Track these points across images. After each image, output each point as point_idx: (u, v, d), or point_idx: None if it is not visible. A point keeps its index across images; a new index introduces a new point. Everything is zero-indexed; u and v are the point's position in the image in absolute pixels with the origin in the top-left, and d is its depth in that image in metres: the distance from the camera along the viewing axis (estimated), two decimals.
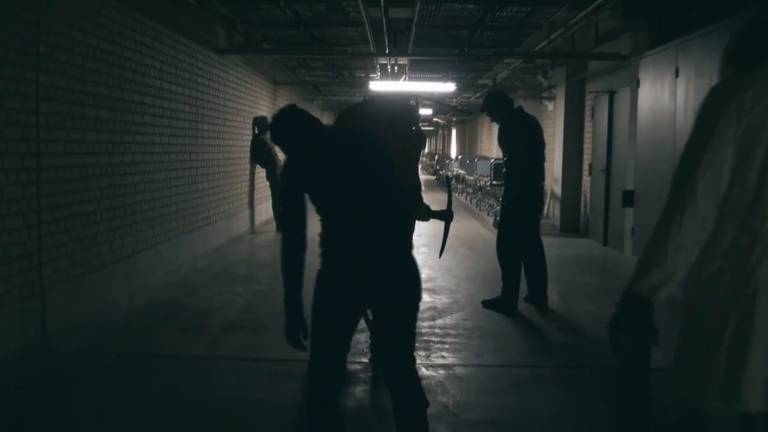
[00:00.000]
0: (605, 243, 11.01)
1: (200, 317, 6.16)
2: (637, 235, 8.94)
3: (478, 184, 16.94)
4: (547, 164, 7.10)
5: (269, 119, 11.40)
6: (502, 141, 6.71)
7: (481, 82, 15.50)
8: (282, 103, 14.81)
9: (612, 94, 10.97)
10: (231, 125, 10.69)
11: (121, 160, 6.58)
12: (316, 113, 21.02)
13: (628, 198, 9.08)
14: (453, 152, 36.15)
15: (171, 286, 7.32)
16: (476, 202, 17.58)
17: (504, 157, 6.76)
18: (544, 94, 15.07)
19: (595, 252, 10.56)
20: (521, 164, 6.49)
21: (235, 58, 10.63)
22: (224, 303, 6.70)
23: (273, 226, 12.17)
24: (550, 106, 15.16)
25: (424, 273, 8.46)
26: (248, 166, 11.78)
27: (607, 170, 11.10)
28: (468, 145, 29.56)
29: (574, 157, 12.72)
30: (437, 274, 8.42)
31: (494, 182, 12.98)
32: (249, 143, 11.80)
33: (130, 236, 6.81)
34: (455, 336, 5.71)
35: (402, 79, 13.75)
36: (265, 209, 12.56)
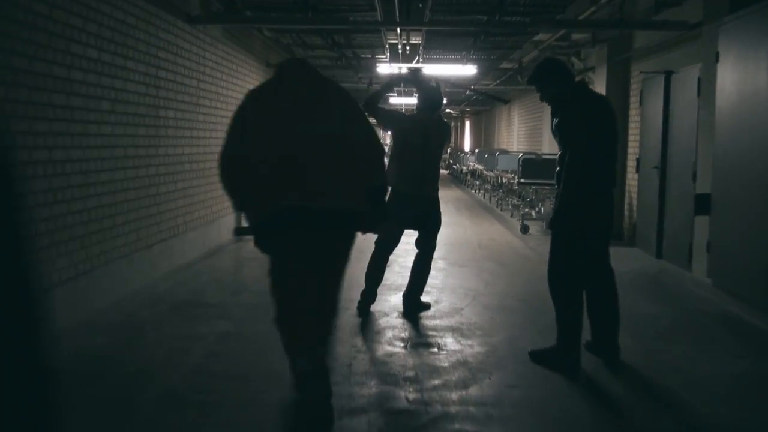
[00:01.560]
0: (659, 255, 9.12)
1: (131, 383, 4.32)
2: (715, 251, 7.05)
3: (501, 181, 15.05)
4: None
5: None
6: (559, 128, 4.82)
7: (503, 66, 13.58)
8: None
9: (668, 75, 9.07)
10: (209, 113, 8.87)
11: (29, 157, 4.75)
12: None
13: (703, 204, 7.20)
14: (467, 145, 34.23)
15: (110, 326, 5.49)
16: (497, 201, 15.70)
17: (559, 151, 4.86)
18: (578, 78, 13.13)
19: (649, 267, 8.68)
20: (585, 162, 4.63)
21: (213, 30, 8.79)
22: (173, 355, 4.86)
23: None
24: None
25: (444, 298, 6.73)
26: None
27: (662, 167, 9.20)
28: (484, 137, 27.65)
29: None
30: (462, 301, 6.56)
31: (522, 180, 11.10)
32: None
33: (47, 262, 4.99)
34: (500, 420, 3.84)
35: (415, 60, 11.88)
36: None
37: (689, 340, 5.45)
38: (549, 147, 14.98)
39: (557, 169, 4.83)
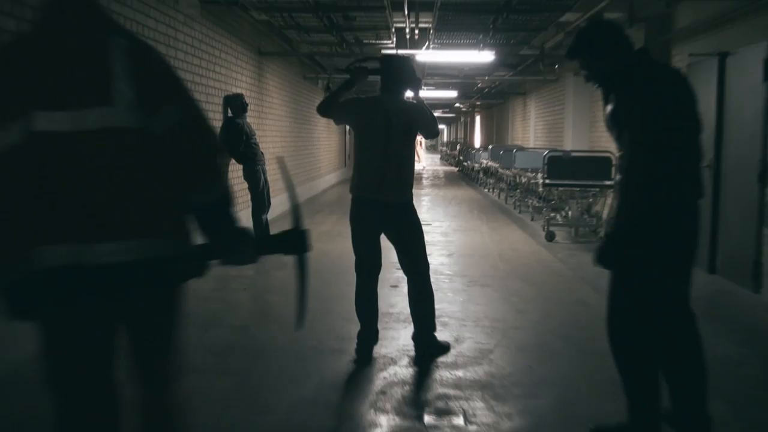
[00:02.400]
0: (712, 270, 7.76)
1: None
2: None
3: (519, 180, 13.69)
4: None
5: (244, 98, 8.16)
6: (617, 119, 3.44)
7: (523, 52, 12.20)
8: (270, 80, 11.61)
9: (723, 57, 7.70)
10: None
11: None
12: (320, 100, 17.80)
13: None
14: (477, 141, 32.85)
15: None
16: (515, 203, 14.35)
17: (619, 150, 3.47)
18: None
19: (702, 285, 7.32)
20: (662, 166, 3.24)
21: (189, 9, 7.47)
22: None
23: None
24: None
25: (466, 334, 4.93)
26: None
27: (715, 166, 7.84)
28: (496, 133, 26.28)
29: None
30: (490, 339, 5.22)
31: (549, 181, 9.74)
32: (218, 132, 8.64)
33: None
34: None
35: (424, 46, 10.54)
36: (242, 219, 9.40)
37: None
38: (572, 143, 13.61)
39: (617, 177, 3.47)
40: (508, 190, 16.01)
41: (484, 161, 20.17)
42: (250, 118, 9.66)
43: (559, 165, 9.70)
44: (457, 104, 30.18)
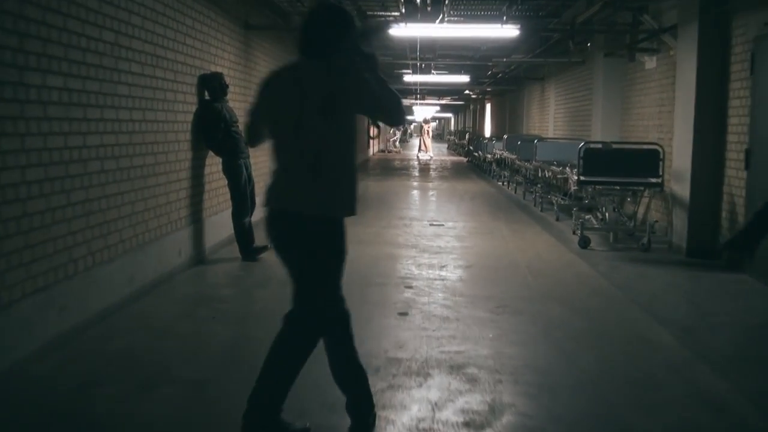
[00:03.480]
0: None
1: None
2: None
3: (542, 175, 12.18)
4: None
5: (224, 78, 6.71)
6: None
7: (553, 27, 10.62)
8: (261, 59, 10.11)
9: None
10: (153, 87, 6.11)
11: None
12: None
13: None
14: (487, 130, 31.31)
15: None
16: (535, 199, 12.85)
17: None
18: (643, 44, 10.29)
19: None
20: None
21: None
22: None
23: (235, 248, 7.57)
24: (650, 63, 10.39)
25: (503, 399, 3.44)
26: (189, 153, 7.16)
27: None
28: (509, 121, 24.73)
29: (710, 137, 7.96)
30: (535, 408, 3.74)
31: (585, 178, 8.25)
32: (192, 117, 7.20)
33: None
34: None
35: (438, 19, 8.99)
36: (221, 222, 7.92)
37: None
38: (602, 133, 12.11)
39: None
40: (527, 185, 14.51)
41: (498, 152, 18.66)
42: (233, 102, 8.19)
43: (598, 159, 8.22)
44: (467, 91, 28.61)
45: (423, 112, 39.45)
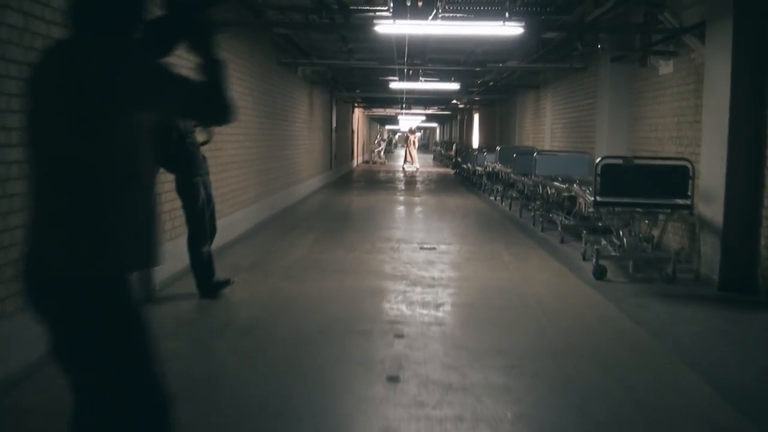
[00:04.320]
0: None
1: None
2: None
3: (544, 192, 11.02)
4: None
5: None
6: None
7: (560, 24, 9.43)
8: (229, 60, 8.90)
9: None
10: None
11: None
12: (301, 90, 15.07)
13: None
14: (475, 141, 30.23)
15: None
16: (534, 217, 11.69)
17: None
18: (658, 47, 9.20)
19: None
20: None
21: None
22: None
23: (190, 281, 6.33)
24: (665, 68, 9.31)
25: None
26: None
27: None
28: (499, 132, 23.63)
29: (747, 152, 6.84)
30: None
31: (602, 198, 7.09)
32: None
33: None
34: None
35: (431, 15, 7.84)
36: (176, 250, 6.64)
37: None
38: (608, 146, 10.99)
39: None
40: (524, 201, 13.38)
41: (490, 164, 17.53)
42: None
43: (618, 176, 7.07)
44: (455, 101, 27.52)
45: (408, 122, 38.33)
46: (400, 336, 5.17)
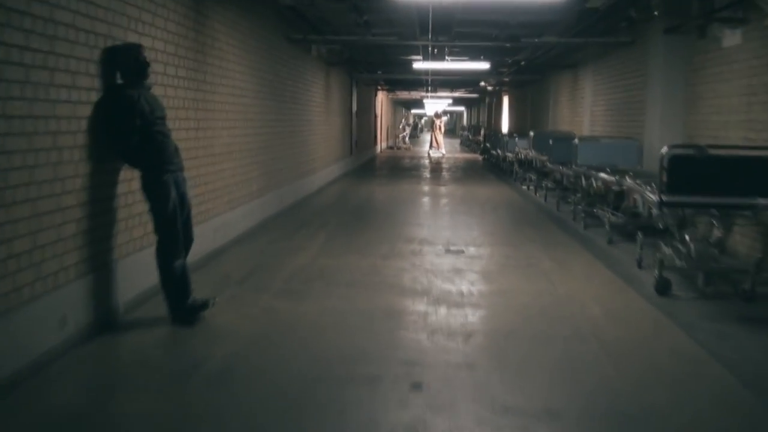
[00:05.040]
0: None
1: None
2: None
3: (587, 185, 9.64)
4: None
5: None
6: None
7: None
8: (221, 34, 7.65)
9: None
10: (13, 62, 3.71)
11: None
12: (316, 71, 13.78)
13: None
14: (504, 126, 28.78)
15: None
16: (574, 211, 10.32)
17: None
18: (723, 13, 7.81)
19: None
20: None
21: None
22: None
23: (157, 305, 5.12)
24: (730, 39, 7.94)
25: None
26: (88, 165, 4.72)
27: None
28: (531, 116, 22.18)
29: None
30: None
31: (668, 198, 5.73)
32: (93, 109, 4.79)
33: None
34: None
35: None
36: (145, 263, 5.39)
37: None
38: (661, 133, 9.61)
39: None
40: (561, 192, 12.05)
41: (522, 151, 16.17)
42: (165, 89, 5.79)
43: (690, 171, 5.72)
44: (482, 83, 26.05)
45: (434, 105, 36.84)
46: (417, 386, 3.92)
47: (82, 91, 4.65)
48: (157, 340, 4.80)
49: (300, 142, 12.67)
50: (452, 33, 12.01)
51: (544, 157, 12.94)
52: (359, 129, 23.17)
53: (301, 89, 12.53)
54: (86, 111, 4.69)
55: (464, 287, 6.25)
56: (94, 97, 4.77)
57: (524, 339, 4.86)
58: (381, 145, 33.41)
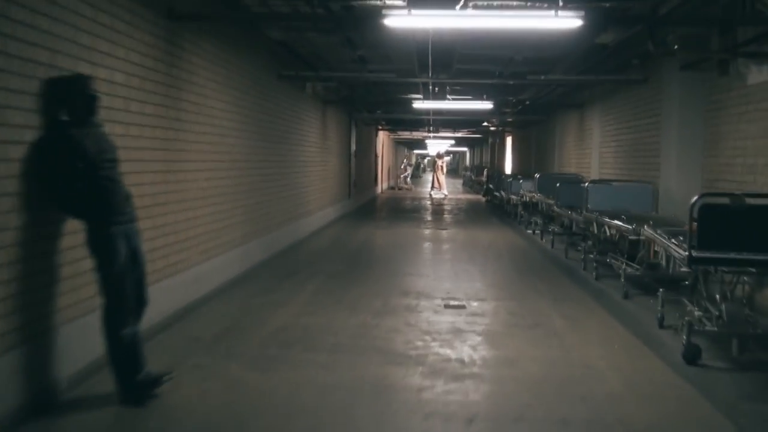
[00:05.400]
0: None
1: None
2: None
3: (603, 231, 8.86)
4: None
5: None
6: None
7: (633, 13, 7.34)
8: (198, 66, 6.98)
9: None
10: None
11: None
12: (312, 110, 13.14)
13: None
14: (507, 166, 28.15)
15: None
16: (585, 260, 9.53)
17: None
18: (750, 48, 7.17)
19: None
20: None
21: None
22: None
23: (107, 379, 4.33)
24: (757, 75, 7.28)
25: None
26: (21, 216, 4.00)
27: None
28: (535, 157, 21.52)
29: None
30: None
31: (699, 253, 4.98)
32: (29, 150, 4.09)
33: None
34: None
35: (458, 4, 5.83)
36: (93, 329, 4.62)
37: None
38: (677, 176, 8.91)
39: None
40: (569, 237, 11.31)
41: (527, 194, 15.46)
42: (128, 127, 5.11)
43: (722, 222, 4.99)
44: (485, 123, 25.47)
45: (437, 145, 36.28)
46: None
47: (15, 128, 3.95)
48: (99, 424, 4.02)
49: (292, 183, 11.97)
50: (453, 70, 11.38)
51: (551, 201, 12.22)
52: (358, 169, 22.54)
53: (294, 128, 11.88)
54: (19, 152, 3.99)
55: (465, 353, 5.47)
56: (30, 136, 4.07)
57: (537, 425, 4.06)
58: (382, 185, 32.79)
